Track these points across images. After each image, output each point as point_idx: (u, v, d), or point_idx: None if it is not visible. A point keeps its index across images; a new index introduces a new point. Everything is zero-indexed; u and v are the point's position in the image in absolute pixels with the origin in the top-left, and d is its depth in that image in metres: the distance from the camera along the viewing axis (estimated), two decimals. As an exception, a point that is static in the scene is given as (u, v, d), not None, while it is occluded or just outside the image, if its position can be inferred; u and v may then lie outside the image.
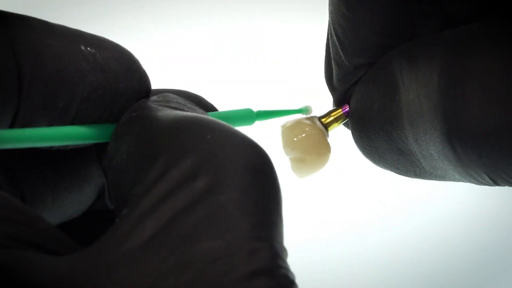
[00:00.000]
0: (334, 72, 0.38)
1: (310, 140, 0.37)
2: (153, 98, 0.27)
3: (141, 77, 0.27)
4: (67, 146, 0.28)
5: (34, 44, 0.25)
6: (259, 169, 0.23)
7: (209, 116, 0.25)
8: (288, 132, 0.37)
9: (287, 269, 0.21)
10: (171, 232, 0.21)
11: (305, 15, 0.79)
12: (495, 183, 0.32)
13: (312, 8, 0.79)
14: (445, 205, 0.68)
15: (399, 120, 0.34)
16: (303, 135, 0.37)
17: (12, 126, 0.25)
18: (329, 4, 0.36)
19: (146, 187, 0.22)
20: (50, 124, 0.26)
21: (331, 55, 0.38)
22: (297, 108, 0.38)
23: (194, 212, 0.21)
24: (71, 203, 0.29)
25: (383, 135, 0.36)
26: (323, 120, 0.39)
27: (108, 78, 0.26)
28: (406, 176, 0.38)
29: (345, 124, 0.40)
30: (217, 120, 0.24)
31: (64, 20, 0.26)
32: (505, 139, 0.30)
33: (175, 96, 0.28)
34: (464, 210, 0.68)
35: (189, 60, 0.76)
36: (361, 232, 0.66)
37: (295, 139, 0.37)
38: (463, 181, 0.34)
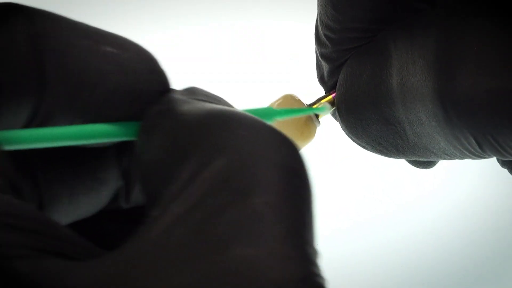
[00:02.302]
0: (325, 69, 0.39)
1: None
2: (180, 91, 0.27)
3: (162, 79, 0.27)
4: (86, 145, 0.27)
5: (58, 43, 0.24)
6: (294, 170, 0.22)
7: (240, 110, 0.24)
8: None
9: (320, 276, 0.21)
10: (203, 239, 0.20)
11: (304, 15, 0.79)
12: (481, 148, 0.32)
13: (312, 8, 0.79)
14: (444, 205, 0.68)
15: (388, 86, 0.34)
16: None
17: (30, 123, 0.25)
18: (317, 5, 0.37)
19: (177, 189, 0.22)
20: (69, 123, 0.25)
21: (320, 54, 0.38)
22: (315, 107, 0.38)
23: (227, 217, 0.21)
24: (87, 205, 0.28)
25: (370, 104, 0.36)
26: (314, 107, 0.38)
27: (130, 80, 0.26)
28: (388, 154, 0.37)
29: (333, 114, 0.39)
30: (249, 114, 0.23)
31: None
32: (498, 102, 0.30)
33: (202, 89, 0.27)
34: (464, 210, 0.68)
35: (189, 60, 0.76)
36: (357, 232, 0.66)
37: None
38: (447, 152, 0.34)
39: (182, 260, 0.20)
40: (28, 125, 0.25)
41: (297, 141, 0.37)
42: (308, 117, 0.38)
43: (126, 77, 0.26)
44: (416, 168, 0.42)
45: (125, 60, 0.26)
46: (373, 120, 0.36)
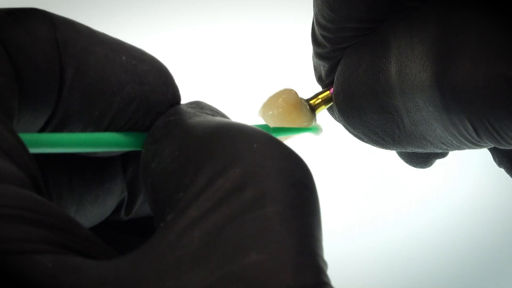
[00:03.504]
0: (322, 68, 0.39)
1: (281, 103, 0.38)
2: (186, 104, 0.27)
3: (175, 91, 0.28)
4: (96, 153, 0.28)
5: (79, 51, 0.25)
6: (302, 182, 0.23)
7: (249, 124, 0.25)
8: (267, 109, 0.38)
9: (330, 285, 0.21)
10: (218, 243, 0.21)
11: (305, 15, 0.79)
12: (477, 134, 0.32)
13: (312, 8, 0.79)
14: (443, 206, 0.69)
15: (387, 74, 0.35)
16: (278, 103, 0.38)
17: (45, 127, 0.25)
18: (313, 6, 0.37)
19: (193, 195, 0.22)
20: (83, 130, 0.26)
21: (318, 54, 0.38)
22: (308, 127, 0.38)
23: (241, 223, 0.21)
24: (92, 215, 0.29)
25: (367, 93, 0.36)
26: (311, 102, 0.39)
27: (145, 91, 0.26)
28: (384, 144, 0.37)
29: (329, 110, 0.40)
30: (258, 128, 0.24)
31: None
32: (496, 88, 0.30)
33: (207, 103, 0.28)
34: (463, 211, 0.68)
35: (188, 60, 0.76)
36: (355, 233, 0.66)
37: (271, 112, 0.38)
38: (443, 140, 0.34)
39: (198, 263, 0.20)
40: (43, 129, 0.26)
41: (282, 120, 0.37)
42: (300, 102, 0.38)
43: (142, 88, 0.26)
44: (414, 168, 0.42)
45: (141, 71, 0.26)
46: (370, 109, 0.36)
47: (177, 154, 0.24)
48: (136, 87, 0.26)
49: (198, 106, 0.27)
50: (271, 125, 0.37)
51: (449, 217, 0.67)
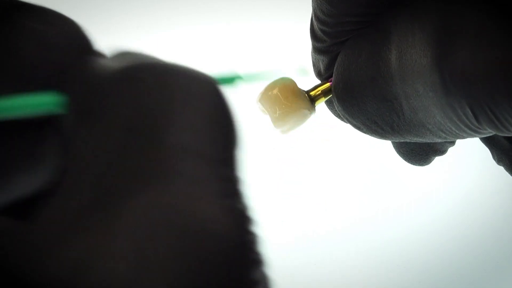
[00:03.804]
0: (321, 63, 0.39)
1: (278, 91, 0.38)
2: (109, 57, 0.26)
3: (84, 43, 0.26)
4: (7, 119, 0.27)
5: None
6: (214, 107, 0.22)
7: (161, 60, 0.24)
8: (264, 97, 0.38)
9: (243, 207, 0.21)
10: (104, 194, 0.20)
11: (304, 15, 0.79)
12: (477, 120, 0.32)
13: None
14: (442, 206, 0.69)
15: (387, 61, 0.35)
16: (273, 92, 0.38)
17: None
18: (312, 1, 0.37)
19: (95, 140, 0.22)
20: None
21: (317, 49, 0.38)
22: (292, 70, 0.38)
23: (144, 161, 0.20)
24: (24, 183, 0.27)
25: (367, 81, 0.36)
26: (311, 93, 0.39)
27: (51, 54, 0.25)
28: (383, 134, 0.37)
29: (328, 105, 0.39)
30: (169, 62, 0.23)
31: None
32: (497, 73, 0.30)
33: (135, 51, 0.26)
34: (463, 211, 0.68)
35: (188, 60, 0.76)
36: (355, 232, 0.66)
37: (267, 98, 0.38)
38: (443, 128, 0.34)
39: (98, 214, 0.20)
40: None
41: (279, 105, 0.37)
42: (298, 89, 0.38)
43: (48, 53, 0.25)
44: (413, 166, 0.42)
45: (47, 34, 0.25)
46: (369, 97, 0.36)
47: (79, 106, 0.23)
48: (40, 51, 0.25)
49: (120, 55, 0.26)
50: (269, 113, 0.37)
51: (449, 216, 0.67)
